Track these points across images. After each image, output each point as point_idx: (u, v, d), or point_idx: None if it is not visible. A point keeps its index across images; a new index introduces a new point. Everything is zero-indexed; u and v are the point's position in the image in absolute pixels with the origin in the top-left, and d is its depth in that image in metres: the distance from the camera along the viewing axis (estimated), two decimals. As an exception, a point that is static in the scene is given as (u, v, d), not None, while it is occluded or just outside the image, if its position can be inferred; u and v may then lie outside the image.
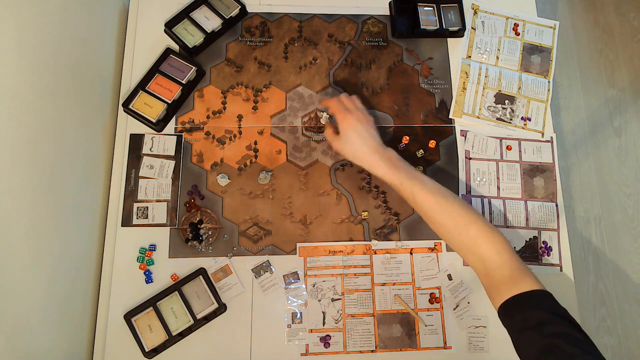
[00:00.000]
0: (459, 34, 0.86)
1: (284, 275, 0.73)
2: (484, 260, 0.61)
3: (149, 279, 0.71)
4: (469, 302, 0.73)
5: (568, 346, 0.49)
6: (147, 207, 0.74)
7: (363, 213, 0.77)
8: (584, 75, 1.77)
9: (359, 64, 0.84)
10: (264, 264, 0.73)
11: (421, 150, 0.80)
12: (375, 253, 0.75)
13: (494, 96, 0.84)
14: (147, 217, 0.74)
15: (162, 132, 0.78)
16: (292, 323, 0.71)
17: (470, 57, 0.86)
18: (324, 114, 0.80)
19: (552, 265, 0.77)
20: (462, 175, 0.80)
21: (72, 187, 0.66)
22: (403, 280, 0.74)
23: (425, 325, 0.72)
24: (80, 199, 0.68)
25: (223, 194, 0.76)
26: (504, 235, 0.62)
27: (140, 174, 0.75)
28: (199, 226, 0.74)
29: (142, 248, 0.72)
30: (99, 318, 0.70)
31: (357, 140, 0.67)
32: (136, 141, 0.77)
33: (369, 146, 0.67)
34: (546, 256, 0.77)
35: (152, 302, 0.69)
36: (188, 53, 0.80)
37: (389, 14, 0.88)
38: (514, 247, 0.77)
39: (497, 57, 0.86)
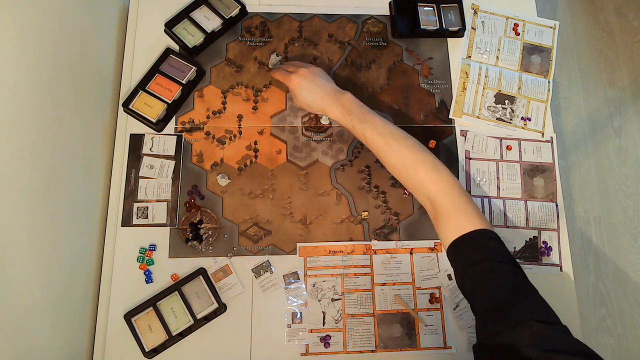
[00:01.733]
0: (459, 34, 0.86)
1: (284, 275, 0.73)
2: (431, 200, 0.63)
3: (149, 279, 0.71)
4: (469, 302, 0.73)
5: (500, 274, 0.54)
6: (147, 207, 0.74)
7: (363, 213, 0.77)
8: (584, 75, 1.77)
9: (359, 64, 0.84)
10: (264, 264, 0.73)
11: (421, 150, 0.80)
12: (375, 253, 0.75)
13: (494, 96, 0.84)
14: (147, 217, 0.74)
15: (162, 132, 0.78)
16: (292, 323, 0.71)
17: (470, 57, 0.86)
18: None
19: (552, 265, 0.77)
20: (462, 175, 0.80)
21: (72, 187, 0.65)
22: (403, 280, 0.74)
23: (425, 325, 0.72)
24: (80, 199, 0.68)
25: (223, 194, 0.76)
26: (451, 173, 0.63)
27: (140, 174, 0.75)
28: (199, 226, 0.74)
29: (142, 248, 0.72)
30: (99, 318, 0.70)
31: (306, 94, 0.72)
32: (136, 141, 0.77)
33: (320, 95, 0.71)
34: (546, 256, 0.77)
35: (152, 302, 0.69)
36: (188, 53, 0.80)
37: (389, 14, 0.88)
38: (514, 248, 0.77)
39: (497, 57, 0.86)
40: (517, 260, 0.76)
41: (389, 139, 0.66)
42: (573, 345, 0.46)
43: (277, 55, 0.82)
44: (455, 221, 0.60)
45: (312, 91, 0.71)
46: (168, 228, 0.74)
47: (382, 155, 0.67)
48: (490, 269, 0.54)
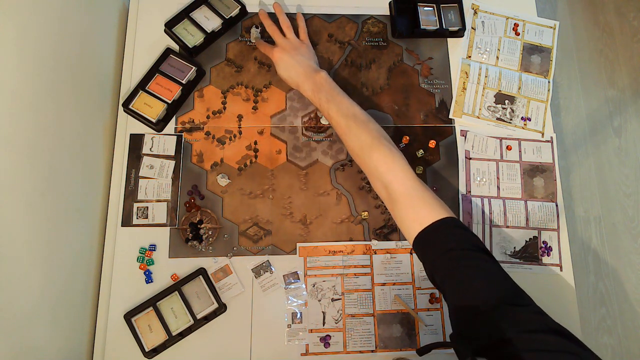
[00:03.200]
0: (459, 34, 0.86)
1: (284, 275, 0.73)
2: (386, 187, 0.62)
3: (149, 279, 0.71)
4: (469, 302, 0.73)
5: (470, 260, 0.54)
6: (147, 207, 0.74)
7: (363, 213, 0.77)
8: (584, 75, 1.77)
9: (359, 64, 0.84)
10: (264, 264, 0.73)
11: (421, 150, 0.80)
12: (375, 253, 0.75)
13: (494, 96, 0.84)
14: (147, 217, 0.74)
15: (162, 132, 0.78)
16: (292, 323, 0.71)
17: (470, 57, 0.86)
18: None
19: (552, 265, 0.77)
20: (462, 175, 0.80)
21: (72, 187, 0.65)
22: (403, 280, 0.74)
23: (425, 325, 0.72)
24: (80, 198, 0.68)
25: (223, 194, 0.76)
26: (406, 162, 0.63)
27: (140, 174, 0.75)
28: (199, 226, 0.74)
29: (142, 248, 0.72)
30: (99, 318, 0.70)
31: (285, 67, 0.75)
32: (136, 141, 0.77)
33: (296, 71, 0.73)
34: (546, 256, 0.77)
35: (152, 302, 0.69)
36: (188, 53, 0.80)
37: (389, 14, 0.88)
38: (514, 248, 0.77)
39: (497, 57, 0.86)
40: (517, 261, 0.76)
41: (350, 120, 0.66)
42: (548, 324, 0.47)
43: (257, 28, 0.83)
44: (415, 212, 0.59)
45: (291, 66, 0.74)
46: (168, 228, 0.74)
47: (343, 136, 0.68)
48: (459, 257, 0.54)
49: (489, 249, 0.77)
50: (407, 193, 0.60)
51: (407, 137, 0.80)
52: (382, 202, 0.77)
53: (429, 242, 0.58)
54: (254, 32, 0.82)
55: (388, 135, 0.66)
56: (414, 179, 0.61)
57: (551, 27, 0.90)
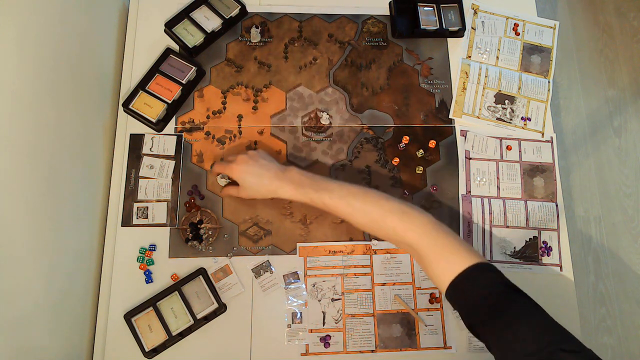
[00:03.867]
0: (459, 34, 0.86)
1: (284, 275, 0.73)
2: (412, 246, 0.60)
3: (149, 279, 0.71)
4: (469, 302, 0.73)
5: (511, 306, 0.51)
6: (147, 207, 0.74)
7: (363, 213, 0.77)
8: (584, 75, 1.77)
9: (359, 64, 0.84)
10: (264, 264, 0.73)
11: (421, 150, 0.80)
12: (375, 253, 0.75)
13: (494, 96, 0.84)
14: (147, 217, 0.74)
15: (162, 132, 0.78)
16: (292, 323, 0.71)
17: (470, 57, 0.86)
18: (324, 114, 0.80)
19: (552, 265, 0.77)
20: (462, 175, 0.80)
21: (72, 187, 0.65)
22: (403, 280, 0.74)
23: (425, 325, 0.72)
24: (80, 198, 0.68)
25: (223, 194, 0.76)
26: (423, 212, 0.61)
27: (140, 174, 0.75)
28: (199, 226, 0.74)
29: (142, 248, 0.72)
30: (99, 318, 0.70)
31: (253, 179, 0.68)
32: (136, 141, 0.77)
33: (267, 177, 0.68)
34: (546, 256, 0.77)
35: (152, 302, 0.69)
36: (188, 53, 0.80)
37: (389, 14, 0.88)
38: (514, 248, 0.77)
39: (497, 57, 0.86)
40: (517, 261, 0.76)
41: (350, 199, 0.64)
42: None
43: (257, 28, 0.83)
44: (445, 262, 0.57)
45: (258, 174, 0.68)
46: (168, 228, 0.74)
47: (349, 218, 0.65)
48: (497, 304, 0.52)
49: (489, 249, 0.77)
50: (430, 246, 0.58)
51: (407, 137, 0.80)
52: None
53: (463, 290, 0.55)
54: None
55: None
56: (435, 229, 0.60)
57: (551, 27, 0.90)
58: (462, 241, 0.59)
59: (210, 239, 0.74)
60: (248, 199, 0.72)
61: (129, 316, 0.68)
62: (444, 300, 0.73)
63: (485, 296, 0.53)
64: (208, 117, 0.79)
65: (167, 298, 0.69)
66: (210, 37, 0.81)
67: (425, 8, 0.85)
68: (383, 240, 0.74)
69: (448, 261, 0.57)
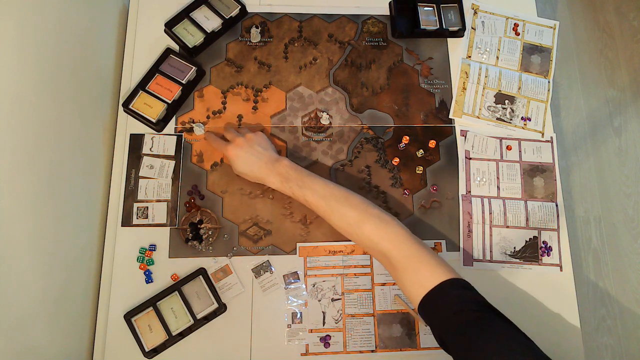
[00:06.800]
0: (459, 34, 0.86)
1: (284, 275, 0.73)
2: (385, 255, 0.61)
3: (149, 279, 0.71)
4: (469, 302, 0.73)
5: (484, 324, 0.50)
6: (147, 207, 0.74)
7: (363, 213, 0.77)
8: (584, 75, 1.77)
9: (359, 64, 0.84)
10: (264, 264, 0.73)
11: (421, 150, 0.80)
12: (375, 253, 0.75)
13: (494, 96, 0.84)
14: (147, 217, 0.74)
15: (162, 132, 0.78)
16: (292, 323, 0.71)
17: (470, 57, 0.86)
18: (324, 114, 0.80)
19: (552, 265, 0.77)
20: (462, 175, 0.80)
21: (72, 187, 0.65)
22: (403, 280, 0.74)
23: (425, 325, 0.72)
24: (80, 198, 0.68)
25: (223, 194, 0.76)
26: (401, 224, 0.62)
27: (140, 174, 0.75)
28: (199, 226, 0.74)
29: (142, 248, 0.72)
30: (99, 318, 0.70)
31: (243, 164, 0.70)
32: (136, 141, 0.77)
33: (257, 165, 0.70)
34: (546, 256, 0.77)
35: (152, 302, 0.69)
36: (188, 53, 0.80)
37: (389, 14, 0.88)
38: (514, 248, 0.77)
39: (497, 57, 0.87)
40: (517, 261, 0.76)
41: (330, 200, 0.65)
42: None
43: (257, 28, 0.82)
44: (418, 276, 0.57)
45: (249, 161, 0.70)
46: (168, 228, 0.74)
47: (327, 217, 0.66)
48: (467, 320, 0.52)
49: (489, 249, 0.77)
50: (405, 257, 0.59)
51: (407, 137, 0.80)
52: (383, 204, 0.77)
53: (435, 305, 0.55)
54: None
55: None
56: (410, 242, 0.60)
57: (551, 27, 0.90)
58: (438, 256, 0.59)
59: (210, 239, 0.74)
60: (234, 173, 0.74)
61: (129, 316, 0.68)
62: None
63: (456, 312, 0.53)
64: (208, 117, 0.79)
65: (167, 298, 0.69)
66: (210, 37, 0.81)
67: (425, 8, 0.85)
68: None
69: (422, 274, 0.57)
